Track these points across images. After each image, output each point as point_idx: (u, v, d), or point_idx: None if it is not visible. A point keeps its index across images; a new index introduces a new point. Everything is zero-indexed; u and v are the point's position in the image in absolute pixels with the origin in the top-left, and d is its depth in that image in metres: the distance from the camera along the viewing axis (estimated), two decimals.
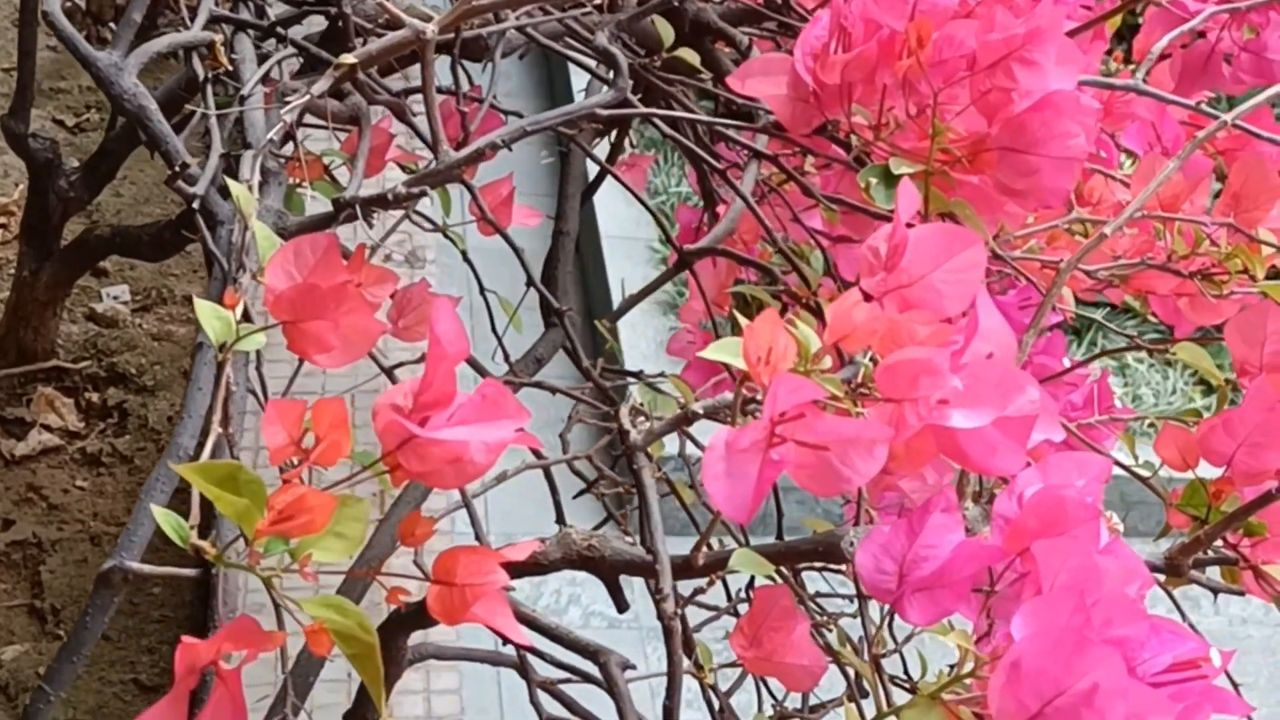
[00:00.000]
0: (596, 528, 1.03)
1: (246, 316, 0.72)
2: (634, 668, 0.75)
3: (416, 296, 0.87)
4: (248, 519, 0.59)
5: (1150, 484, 0.96)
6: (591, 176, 1.34)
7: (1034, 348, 1.28)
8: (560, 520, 1.01)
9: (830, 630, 0.94)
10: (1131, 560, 0.63)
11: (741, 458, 0.60)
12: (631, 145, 2.33)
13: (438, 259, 1.77)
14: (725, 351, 0.63)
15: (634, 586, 0.96)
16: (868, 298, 0.68)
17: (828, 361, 0.65)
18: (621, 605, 0.84)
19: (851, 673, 0.90)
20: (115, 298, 1.85)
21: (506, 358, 1.07)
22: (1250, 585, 0.85)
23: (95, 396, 1.82)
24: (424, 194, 0.79)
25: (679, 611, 0.72)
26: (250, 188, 0.78)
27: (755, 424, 0.59)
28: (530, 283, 1.00)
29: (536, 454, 0.92)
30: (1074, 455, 0.64)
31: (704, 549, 0.76)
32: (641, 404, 0.87)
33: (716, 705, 0.96)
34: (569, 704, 0.91)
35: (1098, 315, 1.64)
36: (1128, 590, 0.59)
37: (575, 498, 1.03)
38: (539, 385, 1.00)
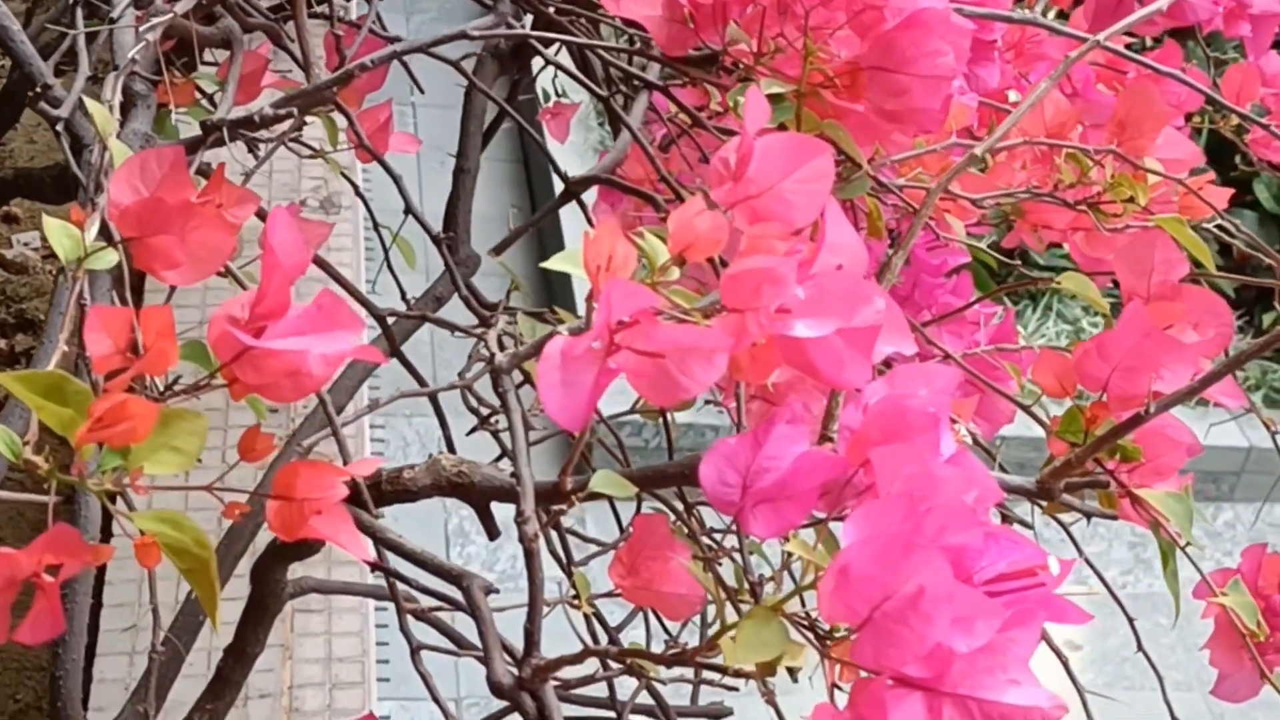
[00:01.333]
0: (495, 460, 1.03)
1: (107, 235, 0.70)
2: (497, 591, 0.75)
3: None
4: (71, 429, 0.58)
5: (1031, 412, 0.95)
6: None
7: (943, 287, 1.28)
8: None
9: (721, 564, 0.94)
10: (977, 471, 0.62)
11: (576, 366, 0.59)
12: (559, 94, 2.31)
13: (355, 204, 1.75)
14: (567, 262, 0.62)
15: None
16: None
17: (676, 273, 0.64)
18: (492, 532, 0.83)
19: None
20: (26, 244, 1.83)
21: (403, 295, 1.06)
22: (1127, 511, 0.84)
23: (3, 343, 1.80)
24: (292, 116, 0.78)
25: (539, 534, 0.71)
26: (111, 108, 0.76)
27: (590, 331, 0.59)
28: (408, 210, 0.99)
29: (420, 383, 0.91)
30: (921, 366, 0.63)
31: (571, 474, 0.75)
32: (518, 333, 0.86)
33: (605, 641, 0.95)
34: (445, 631, 0.90)
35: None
36: (965, 498, 0.59)
37: (469, 434, 1.02)
38: (437, 322, 0.99)
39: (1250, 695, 1.40)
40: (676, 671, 0.90)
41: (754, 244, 0.65)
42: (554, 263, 0.63)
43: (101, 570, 1.26)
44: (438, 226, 1.05)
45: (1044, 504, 0.84)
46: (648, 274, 0.64)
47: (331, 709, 1.10)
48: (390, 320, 1.09)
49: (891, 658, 0.55)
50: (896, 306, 0.64)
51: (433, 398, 0.96)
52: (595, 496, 0.74)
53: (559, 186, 0.96)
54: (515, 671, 0.69)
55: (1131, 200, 0.93)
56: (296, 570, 0.91)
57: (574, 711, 1.00)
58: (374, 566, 0.83)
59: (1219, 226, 1.05)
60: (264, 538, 1.09)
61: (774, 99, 0.79)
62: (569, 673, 1.08)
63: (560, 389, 0.58)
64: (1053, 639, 1.03)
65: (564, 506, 0.72)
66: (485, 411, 1.00)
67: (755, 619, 0.59)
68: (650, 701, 0.97)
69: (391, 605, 1.06)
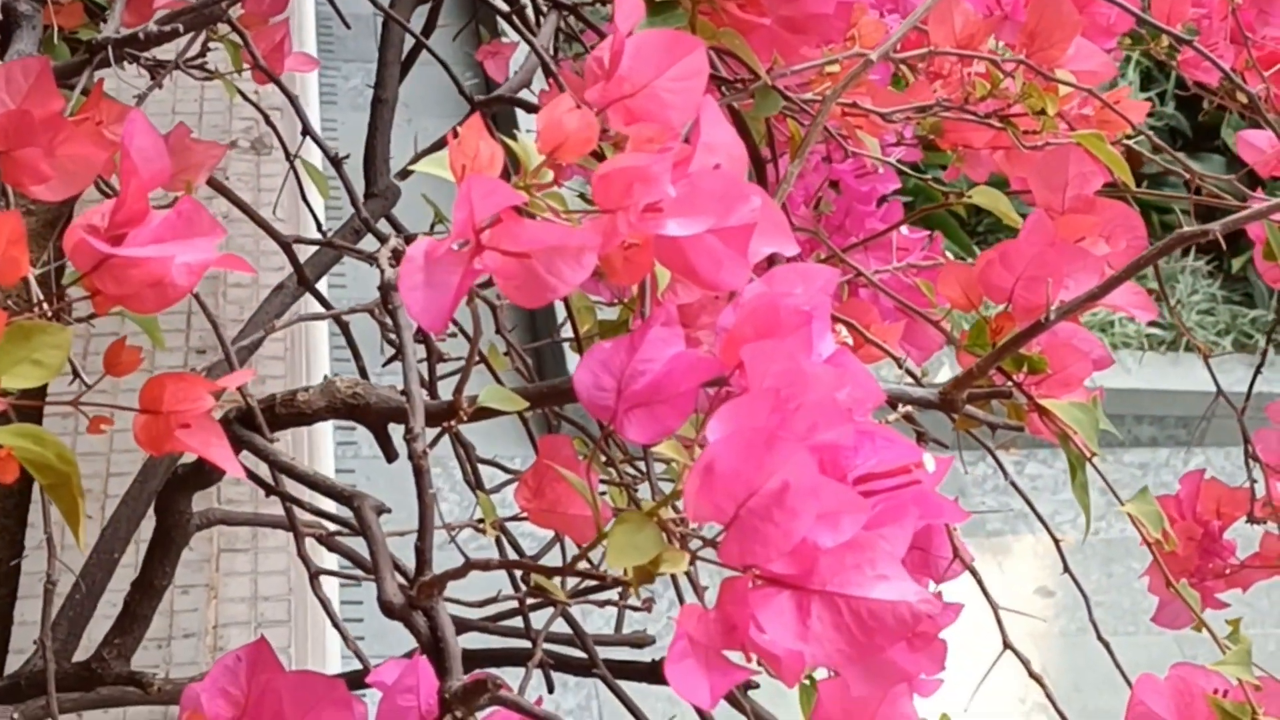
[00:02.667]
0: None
1: None
2: (389, 511, 0.73)
3: (177, 142, 0.84)
4: None
5: (940, 326, 0.94)
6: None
7: (874, 215, 1.27)
8: None
9: (632, 490, 0.93)
10: (856, 372, 0.61)
11: (440, 267, 0.58)
12: (499, 34, 2.29)
13: (309, 144, 1.73)
14: (434, 165, 0.61)
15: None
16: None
17: (549, 175, 0.63)
18: (390, 455, 0.82)
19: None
20: None
21: (319, 226, 1.05)
22: (1035, 425, 0.84)
23: None
24: (177, 33, 0.76)
25: (427, 451, 0.70)
26: None
27: (453, 232, 0.57)
28: (306, 131, 0.97)
29: (325, 306, 0.90)
30: (799, 266, 0.62)
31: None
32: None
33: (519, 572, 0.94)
34: (346, 553, 0.89)
35: None
36: (838, 396, 0.58)
37: (385, 365, 1.01)
38: (341, 248, 0.97)
39: (1189, 622, 1.40)
40: (604, 599, 0.90)
41: (633, 146, 0.64)
42: (422, 166, 0.61)
43: (22, 514, 1.25)
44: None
45: (953, 416, 0.84)
46: (521, 178, 0.62)
47: None
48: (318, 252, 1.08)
49: (757, 555, 0.54)
50: (775, 206, 0.63)
51: (345, 329, 0.95)
52: (486, 413, 0.73)
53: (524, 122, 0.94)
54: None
55: (1043, 112, 0.92)
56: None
57: (495, 644, 0.99)
58: (269, 491, 0.82)
59: (1140, 142, 1.04)
60: None
61: (666, 6, 0.77)
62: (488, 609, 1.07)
63: (423, 290, 0.57)
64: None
65: (452, 424, 0.71)
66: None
67: (629, 524, 0.58)
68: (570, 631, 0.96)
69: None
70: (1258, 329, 4.30)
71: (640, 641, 1.00)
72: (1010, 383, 0.82)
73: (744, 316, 0.59)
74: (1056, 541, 1.09)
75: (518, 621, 1.03)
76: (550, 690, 0.96)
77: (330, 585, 1.28)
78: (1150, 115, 5.15)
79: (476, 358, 0.92)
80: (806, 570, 0.54)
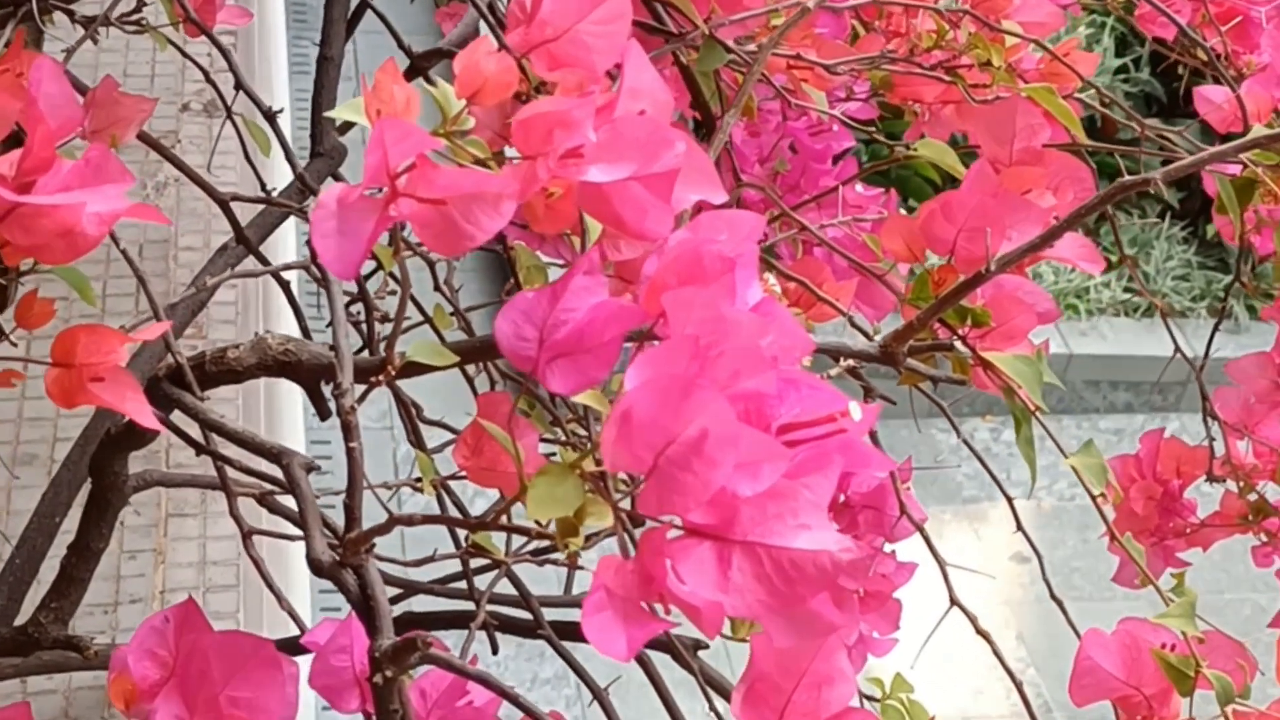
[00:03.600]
0: (358, 352, 1.00)
1: None
2: (318, 468, 0.72)
3: (104, 95, 0.82)
4: None
5: (886, 280, 0.93)
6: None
7: (829, 173, 1.25)
8: None
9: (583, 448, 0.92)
10: (784, 321, 0.60)
11: (353, 214, 0.56)
12: None
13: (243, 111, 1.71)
14: (351, 110, 0.59)
15: None
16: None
17: (470, 122, 0.62)
18: (323, 413, 0.81)
19: None
20: None
21: (262, 185, 1.03)
22: (980, 379, 0.83)
23: None
24: None
25: (356, 406, 0.69)
26: None
27: (364, 177, 0.56)
28: (239, 86, 0.95)
29: (266, 263, 0.89)
30: (725, 213, 0.61)
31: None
32: None
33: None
34: (283, 513, 0.88)
35: None
36: (762, 343, 0.57)
37: (327, 326, 0.99)
38: (278, 204, 0.96)
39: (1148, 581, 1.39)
40: (544, 559, 0.89)
41: (561, 93, 0.62)
42: (337, 112, 0.60)
43: None
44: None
45: (899, 371, 0.83)
46: (441, 125, 0.61)
47: (205, 612, 1.08)
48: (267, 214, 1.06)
49: (676, 504, 0.53)
50: (701, 151, 0.62)
51: (285, 288, 0.94)
52: (416, 369, 0.72)
53: None
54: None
55: (989, 64, 0.91)
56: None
57: (440, 607, 0.98)
58: (199, 450, 0.81)
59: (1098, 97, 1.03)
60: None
61: None
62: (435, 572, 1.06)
63: (336, 238, 0.56)
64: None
65: (379, 379, 0.70)
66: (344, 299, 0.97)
67: (550, 475, 0.57)
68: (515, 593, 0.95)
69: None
70: (1233, 295, 4.30)
71: None
72: (955, 336, 0.81)
73: (666, 264, 0.58)
74: (1011, 503, 1.08)
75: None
76: (495, 652, 0.95)
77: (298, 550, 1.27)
78: (1125, 81, 5.15)
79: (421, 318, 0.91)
80: (728, 520, 0.53)
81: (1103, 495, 0.84)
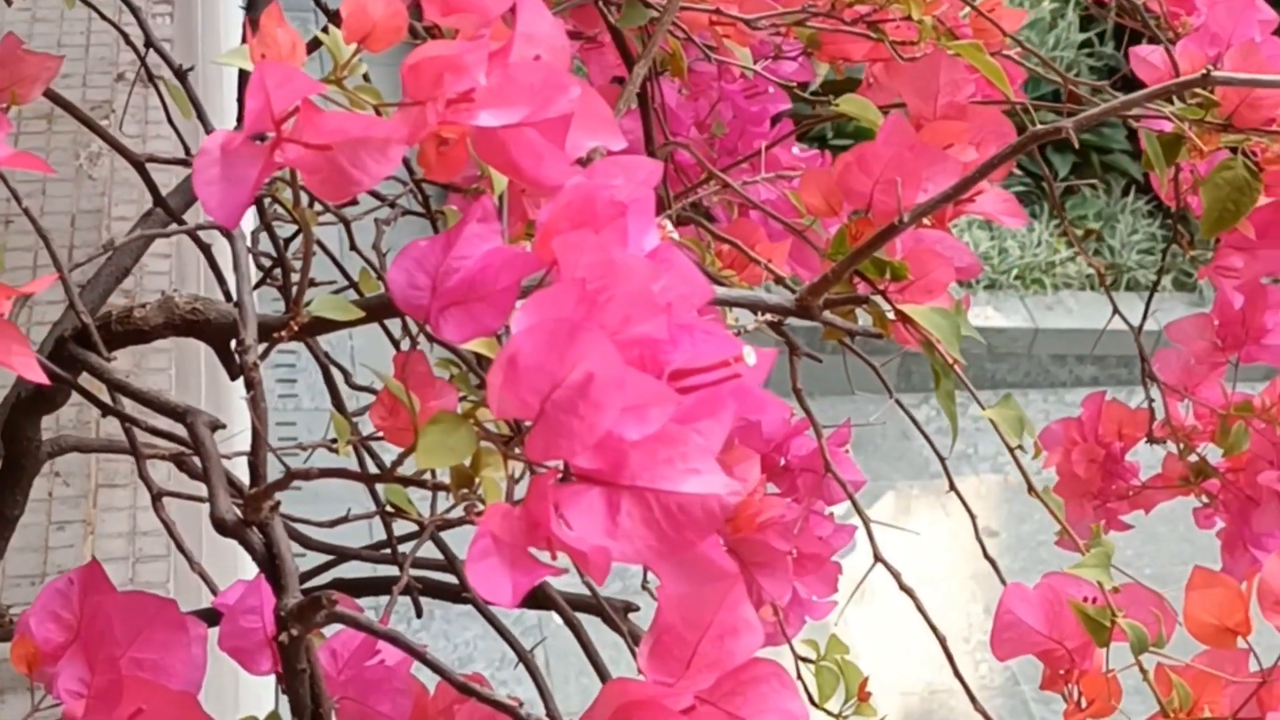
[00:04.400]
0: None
1: None
2: (224, 426, 0.71)
3: (6, 54, 0.81)
4: None
5: (805, 235, 0.93)
6: None
7: (765, 136, 1.25)
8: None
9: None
10: (683, 268, 0.60)
11: (238, 160, 0.55)
12: None
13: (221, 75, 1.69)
14: (236, 56, 0.59)
15: None
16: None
17: (362, 68, 0.61)
18: (233, 372, 0.80)
19: None
20: None
21: (187, 151, 1.02)
22: (900, 333, 0.82)
23: None
24: None
25: (258, 363, 0.68)
26: None
27: (246, 122, 0.55)
28: (149, 44, 0.94)
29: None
30: (621, 158, 0.60)
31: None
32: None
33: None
34: (196, 474, 0.87)
35: None
36: (654, 288, 0.56)
37: (255, 288, 0.98)
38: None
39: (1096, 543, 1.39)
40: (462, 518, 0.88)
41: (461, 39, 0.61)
42: (223, 58, 0.59)
43: None
44: None
45: (822, 326, 0.82)
46: (333, 72, 0.60)
47: (134, 582, 1.07)
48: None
49: (563, 449, 0.52)
50: (598, 97, 0.61)
51: (206, 251, 0.92)
52: (322, 326, 0.71)
53: None
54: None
55: (909, 18, 0.90)
56: None
57: (365, 572, 0.97)
58: (105, 410, 0.80)
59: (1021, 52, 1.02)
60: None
61: None
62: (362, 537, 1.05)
63: (219, 185, 0.55)
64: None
65: (282, 334, 0.69)
66: (267, 264, 0.96)
67: (442, 424, 0.57)
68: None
69: None
70: (1197, 267, 4.32)
71: None
72: (875, 290, 0.81)
73: (559, 209, 0.57)
74: (949, 475, 1.08)
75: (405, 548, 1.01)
76: (419, 615, 0.94)
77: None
78: (1090, 55, 5.14)
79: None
80: (617, 465, 0.53)
81: (1020, 448, 0.84)
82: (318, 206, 0.88)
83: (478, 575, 0.51)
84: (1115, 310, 1.30)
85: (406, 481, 0.60)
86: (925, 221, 0.85)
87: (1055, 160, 4.95)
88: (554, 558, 0.53)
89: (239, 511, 0.67)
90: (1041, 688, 0.85)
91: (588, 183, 0.58)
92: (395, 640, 0.69)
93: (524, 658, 0.89)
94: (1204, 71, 0.69)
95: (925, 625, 0.94)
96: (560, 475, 0.53)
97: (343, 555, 1.02)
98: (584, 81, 0.59)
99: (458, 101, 0.57)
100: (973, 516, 1.04)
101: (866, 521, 0.91)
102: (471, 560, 0.51)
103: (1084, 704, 0.79)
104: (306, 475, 0.62)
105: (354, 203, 1.07)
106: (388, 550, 1.04)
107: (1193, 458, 1.31)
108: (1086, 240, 5.05)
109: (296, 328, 0.69)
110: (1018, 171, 5.27)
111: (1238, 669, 0.74)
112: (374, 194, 1.07)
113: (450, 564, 0.92)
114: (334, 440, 0.84)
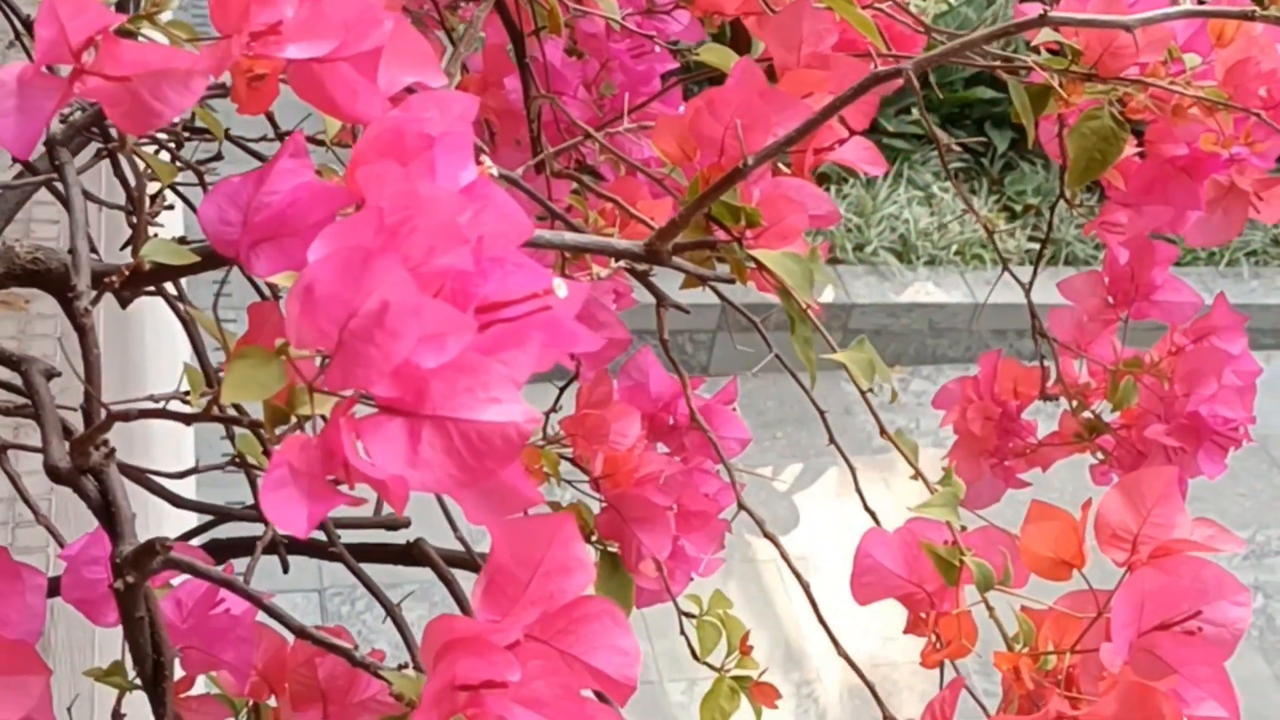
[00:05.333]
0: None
1: None
2: (58, 374, 0.71)
3: None
4: None
5: (665, 185, 0.92)
6: None
7: (663, 100, 1.24)
8: None
9: None
10: (501, 204, 0.59)
11: (35, 91, 0.55)
12: None
13: None
14: None
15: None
16: None
17: (175, 3, 0.60)
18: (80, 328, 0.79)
19: None
20: None
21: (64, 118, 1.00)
22: (758, 280, 0.82)
23: None
24: None
25: (90, 310, 0.67)
26: None
27: (37, 53, 0.54)
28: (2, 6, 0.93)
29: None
30: (436, 93, 0.60)
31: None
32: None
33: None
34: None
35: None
36: (460, 220, 0.56)
37: (121, 249, 0.97)
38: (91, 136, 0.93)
39: (993, 501, 1.40)
40: None
41: None
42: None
43: None
44: None
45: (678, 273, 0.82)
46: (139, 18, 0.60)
47: (14, 546, 1.06)
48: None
49: (360, 378, 0.52)
50: (415, 32, 0.60)
51: (64, 203, 0.91)
52: (159, 274, 0.71)
53: None
54: None
55: None
56: None
57: (237, 533, 0.97)
58: None
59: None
60: None
61: None
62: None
63: (15, 116, 0.54)
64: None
65: (113, 279, 0.68)
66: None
67: (250, 358, 0.56)
68: None
69: None
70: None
71: (395, 524, 0.98)
72: (732, 237, 0.81)
73: (367, 142, 0.57)
74: (848, 461, 1.07)
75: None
76: (285, 571, 0.94)
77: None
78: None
79: None
80: (418, 395, 0.52)
81: (871, 391, 0.84)
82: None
83: (272, 505, 0.51)
84: (1004, 268, 1.31)
85: (220, 420, 0.60)
86: (785, 169, 0.86)
87: (994, 136, 4.98)
88: (351, 488, 0.52)
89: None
90: (905, 632, 0.85)
91: (397, 115, 0.57)
92: (233, 586, 0.69)
93: (390, 610, 0.89)
94: (1041, 13, 0.69)
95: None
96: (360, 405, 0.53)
97: (220, 515, 1.01)
98: (400, 16, 0.59)
99: (265, 34, 0.57)
100: (852, 470, 1.04)
101: (731, 471, 0.91)
102: (266, 490, 0.51)
103: (940, 645, 0.79)
104: (125, 416, 0.62)
105: (218, 156, 1.06)
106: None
107: (1087, 415, 1.32)
108: (1025, 215, 5.09)
109: (128, 273, 0.68)
110: (956, 148, 5.31)
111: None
112: (243, 147, 1.06)
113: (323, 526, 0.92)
114: (186, 392, 0.84)
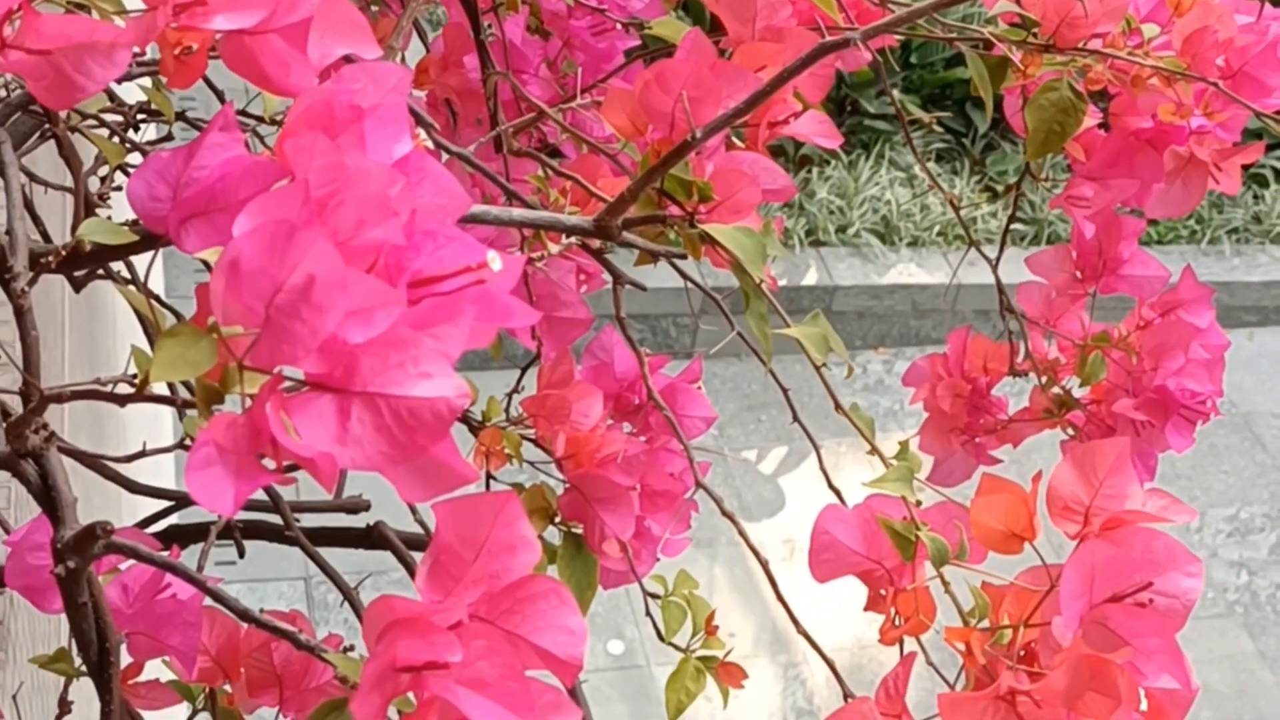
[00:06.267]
0: None
1: None
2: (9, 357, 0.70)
3: None
4: None
5: (618, 161, 0.92)
6: None
7: (623, 77, 1.23)
8: None
9: None
10: (437, 176, 0.58)
11: None
12: None
13: None
14: None
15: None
16: None
17: None
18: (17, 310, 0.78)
19: None
20: None
21: (6, 89, 1.00)
22: (711, 255, 0.82)
23: None
24: None
25: (27, 290, 0.66)
26: None
27: None
28: None
29: None
30: (370, 64, 0.59)
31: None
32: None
33: None
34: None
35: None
36: (390, 192, 0.55)
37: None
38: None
39: (965, 478, 1.40)
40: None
41: None
42: None
43: None
44: None
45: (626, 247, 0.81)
46: None
47: None
48: None
49: (287, 354, 0.51)
50: (347, 4, 0.59)
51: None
52: (99, 255, 0.70)
53: None
54: None
55: None
56: None
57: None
58: None
59: None
60: None
61: None
62: None
63: None
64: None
65: (50, 260, 0.67)
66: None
67: (180, 336, 0.55)
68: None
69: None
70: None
71: (355, 507, 0.98)
72: (685, 212, 0.80)
73: (297, 115, 0.56)
74: (812, 440, 1.06)
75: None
76: (241, 555, 0.93)
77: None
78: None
79: None
80: (348, 371, 0.52)
81: (825, 365, 0.83)
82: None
83: (197, 484, 0.50)
84: (971, 244, 1.30)
85: (153, 400, 0.59)
86: (739, 144, 0.85)
87: (975, 117, 4.97)
88: (280, 467, 0.51)
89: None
90: (865, 609, 0.84)
91: (326, 87, 0.56)
92: (176, 570, 0.68)
93: (348, 595, 0.88)
94: None
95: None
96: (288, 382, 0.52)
97: (180, 500, 1.00)
98: None
99: (192, 5, 0.56)
100: (816, 447, 1.03)
101: (680, 434, 0.90)
102: (191, 469, 0.50)
103: (899, 622, 0.79)
104: (59, 398, 0.61)
105: (168, 138, 1.04)
106: None
107: (1057, 390, 1.31)
108: (1007, 195, 5.09)
109: (64, 254, 0.67)
110: (938, 129, 5.30)
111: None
112: (197, 128, 1.05)
113: (274, 501, 0.91)
114: (134, 375, 0.83)
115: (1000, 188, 5.05)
